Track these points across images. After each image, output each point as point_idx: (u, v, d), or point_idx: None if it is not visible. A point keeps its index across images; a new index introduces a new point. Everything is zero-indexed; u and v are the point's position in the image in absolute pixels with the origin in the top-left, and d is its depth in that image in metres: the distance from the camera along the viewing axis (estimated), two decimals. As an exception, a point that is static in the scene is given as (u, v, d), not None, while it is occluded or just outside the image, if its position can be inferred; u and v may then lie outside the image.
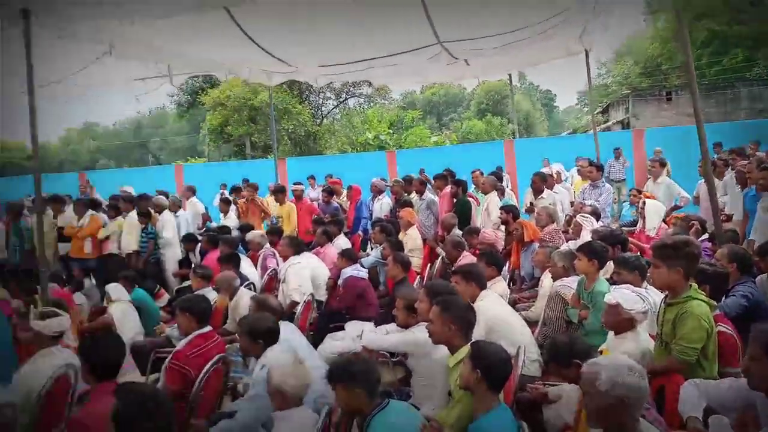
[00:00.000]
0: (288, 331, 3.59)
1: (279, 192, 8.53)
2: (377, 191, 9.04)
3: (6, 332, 5.13)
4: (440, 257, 6.55)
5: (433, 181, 9.05)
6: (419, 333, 3.32)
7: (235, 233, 7.79)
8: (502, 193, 8.44)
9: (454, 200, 7.89)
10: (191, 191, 9.54)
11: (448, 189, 8.15)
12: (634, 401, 2.03)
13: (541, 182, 7.50)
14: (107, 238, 7.97)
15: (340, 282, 5.64)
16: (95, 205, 8.58)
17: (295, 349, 3.18)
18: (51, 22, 4.37)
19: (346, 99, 27.77)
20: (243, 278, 5.73)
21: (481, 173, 9.22)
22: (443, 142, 28.10)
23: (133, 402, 1.94)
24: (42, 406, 3.33)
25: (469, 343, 2.81)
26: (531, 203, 7.53)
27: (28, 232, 8.17)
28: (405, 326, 3.68)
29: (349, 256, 5.73)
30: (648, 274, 3.64)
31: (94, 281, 7.90)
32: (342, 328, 5.04)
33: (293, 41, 6.10)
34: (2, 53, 5.09)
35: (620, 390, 2.01)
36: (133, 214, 7.90)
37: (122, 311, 6.10)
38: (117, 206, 8.19)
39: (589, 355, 2.85)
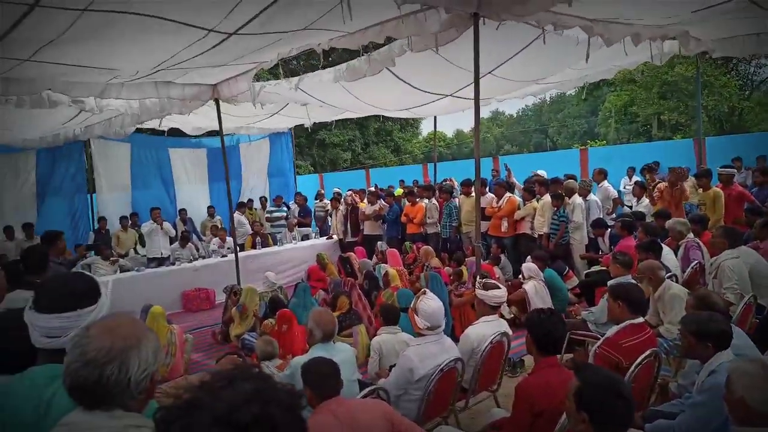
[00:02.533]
0: (737, 335, 3.12)
1: (704, 176, 7.58)
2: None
3: (444, 294, 6.07)
4: None
5: None
6: None
7: (648, 219, 7.33)
8: None
9: None
10: (603, 175, 9.34)
11: None
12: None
13: None
14: (522, 218, 8.54)
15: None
16: (511, 187, 9.28)
17: (763, 359, 2.73)
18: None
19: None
20: (665, 268, 5.31)
21: None
22: None
23: (600, 384, 1.99)
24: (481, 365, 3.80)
25: None
26: None
27: (456, 210, 9.45)
28: None
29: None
30: None
31: (507, 257, 8.58)
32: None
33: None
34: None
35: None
36: (547, 197, 8.23)
37: (535, 288, 6.49)
38: (532, 189, 8.68)
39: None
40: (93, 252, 10.16)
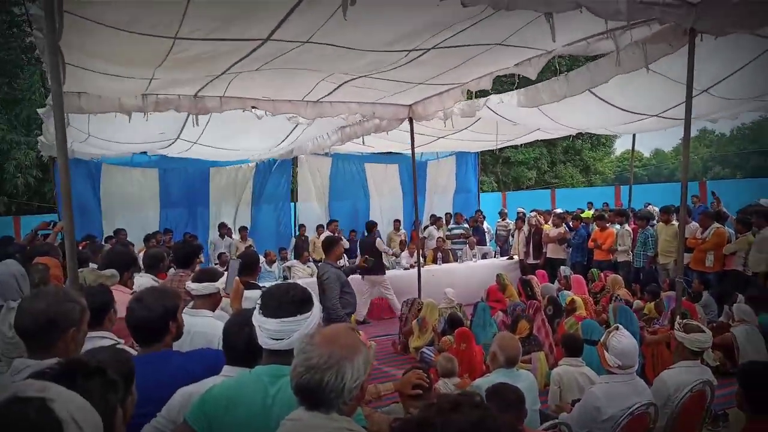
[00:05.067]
0: None
1: None
2: None
3: (636, 329, 5.63)
4: None
5: None
6: None
7: None
8: None
9: None
10: None
11: None
12: None
13: None
14: (733, 253, 7.59)
15: None
16: (721, 217, 8.31)
17: None
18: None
19: None
20: None
21: None
22: None
23: None
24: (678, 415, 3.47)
25: None
26: None
27: (653, 239, 8.71)
28: None
29: None
30: None
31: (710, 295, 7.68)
32: None
33: None
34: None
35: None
36: (767, 231, 7.22)
37: (746, 334, 5.77)
38: (748, 221, 7.67)
39: None
40: (293, 256, 11.30)
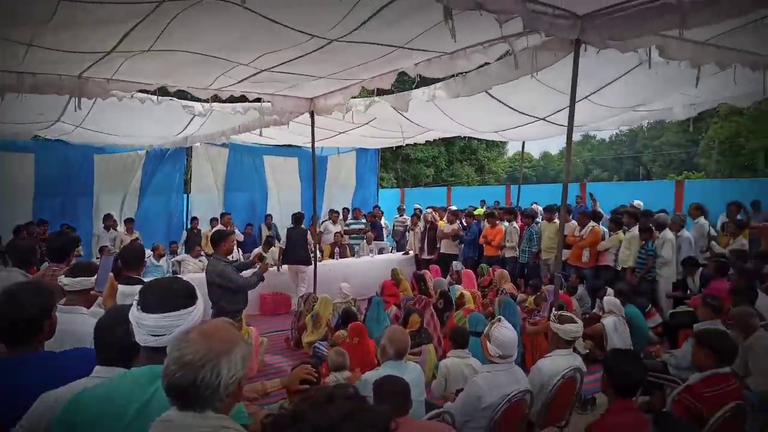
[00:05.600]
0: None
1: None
2: None
3: (517, 321, 5.97)
4: None
5: None
6: None
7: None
8: None
9: None
10: (699, 210, 8.83)
11: None
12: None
13: None
14: (606, 250, 8.25)
15: None
16: (597, 216, 8.99)
17: None
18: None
19: None
20: (759, 316, 4.96)
21: None
22: None
23: None
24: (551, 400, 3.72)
25: None
26: None
27: (537, 236, 9.26)
28: None
29: None
30: None
31: (585, 288, 8.31)
32: None
33: None
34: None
35: None
36: (635, 230, 7.91)
37: (614, 324, 6.25)
38: (620, 220, 8.37)
39: None
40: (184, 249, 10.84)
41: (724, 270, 6.43)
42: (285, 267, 9.56)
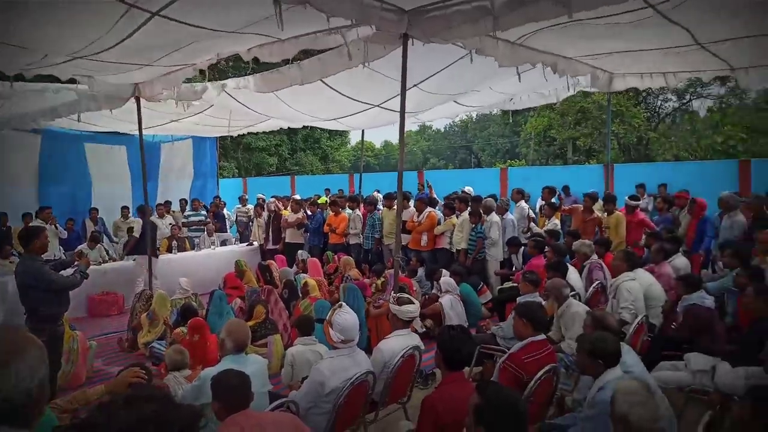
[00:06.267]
0: (627, 353, 3.37)
1: (609, 201, 8.10)
2: (727, 207, 7.81)
3: (361, 306, 6.13)
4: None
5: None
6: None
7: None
8: None
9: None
10: (520, 194, 9.74)
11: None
12: None
13: None
14: (441, 233, 8.77)
15: (678, 308, 5.12)
16: (433, 202, 9.52)
17: (646, 378, 2.97)
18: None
19: (690, 100, 24.79)
20: (570, 287, 5.63)
21: None
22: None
23: (498, 402, 2.11)
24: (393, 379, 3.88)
25: None
26: None
27: (379, 222, 9.57)
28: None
29: (691, 283, 5.16)
30: None
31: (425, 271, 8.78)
32: (676, 357, 4.53)
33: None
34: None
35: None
36: (466, 214, 8.50)
37: (450, 302, 6.69)
38: (452, 205, 8.94)
39: None
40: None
41: (541, 248, 7.17)
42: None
